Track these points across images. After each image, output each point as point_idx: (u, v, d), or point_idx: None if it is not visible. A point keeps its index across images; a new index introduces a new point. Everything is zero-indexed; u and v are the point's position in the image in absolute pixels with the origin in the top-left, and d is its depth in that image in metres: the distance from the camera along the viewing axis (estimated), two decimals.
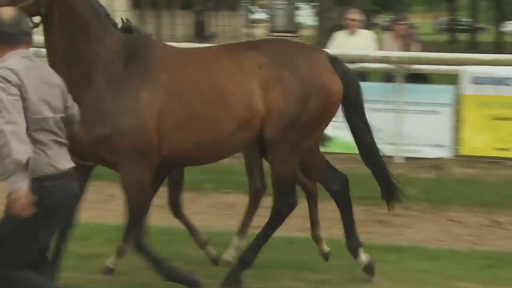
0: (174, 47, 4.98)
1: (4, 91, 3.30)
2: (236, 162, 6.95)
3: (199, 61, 4.64)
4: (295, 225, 5.95)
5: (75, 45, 4.29)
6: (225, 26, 42.37)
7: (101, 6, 4.47)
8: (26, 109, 3.34)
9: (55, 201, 3.45)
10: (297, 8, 46.07)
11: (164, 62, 4.49)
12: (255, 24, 35.98)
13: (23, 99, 3.34)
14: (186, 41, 27.79)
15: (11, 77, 3.33)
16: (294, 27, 42.18)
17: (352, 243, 5.00)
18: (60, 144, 3.54)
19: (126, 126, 4.24)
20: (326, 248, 5.37)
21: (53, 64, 4.07)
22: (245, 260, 4.81)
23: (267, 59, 4.57)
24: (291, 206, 4.79)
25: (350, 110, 4.93)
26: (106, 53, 4.36)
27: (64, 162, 3.54)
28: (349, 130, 5.02)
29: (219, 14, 41.24)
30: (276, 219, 4.81)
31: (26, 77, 3.38)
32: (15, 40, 3.48)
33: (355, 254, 5.00)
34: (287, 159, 4.65)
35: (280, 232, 5.02)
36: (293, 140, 4.60)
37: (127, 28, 4.71)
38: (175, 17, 32.95)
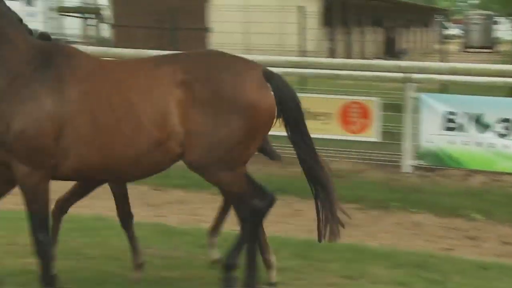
0: (96, 58, 4.89)
1: None
2: (426, 181, 6.75)
3: (117, 74, 4.43)
4: (488, 248, 5.65)
5: None
6: (417, 42, 41.53)
7: (13, 12, 4.49)
8: None
9: None
10: (495, 23, 44.06)
11: (81, 73, 4.36)
12: (449, 40, 34.88)
13: None
14: (376, 58, 27.70)
15: None
16: (491, 42, 40.33)
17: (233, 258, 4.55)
18: None
19: (19, 128, 4.22)
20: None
21: None
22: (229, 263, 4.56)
23: (187, 76, 4.27)
24: (257, 210, 4.47)
25: (288, 126, 4.49)
26: (14, 56, 4.36)
27: None
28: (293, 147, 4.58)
29: (410, 30, 40.54)
30: (245, 227, 4.50)
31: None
32: None
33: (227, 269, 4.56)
34: (225, 178, 4.38)
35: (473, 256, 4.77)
36: (225, 160, 4.29)
37: (45, 36, 4.70)
38: (365, 34, 32.93)
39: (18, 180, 4.39)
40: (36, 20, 29.52)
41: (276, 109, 4.41)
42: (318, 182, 4.53)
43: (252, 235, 4.53)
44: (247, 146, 4.40)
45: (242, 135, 4.31)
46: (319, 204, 4.53)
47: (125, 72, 4.45)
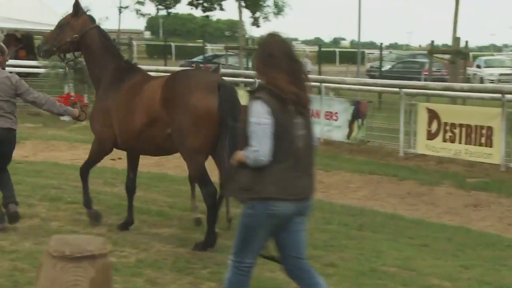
0: (145, 74, 7.13)
1: None
2: None
3: (139, 84, 6.72)
4: None
5: (90, 67, 7.20)
6: None
7: (113, 44, 7.28)
8: None
9: None
10: None
11: (129, 84, 6.76)
12: None
13: None
14: None
15: None
16: None
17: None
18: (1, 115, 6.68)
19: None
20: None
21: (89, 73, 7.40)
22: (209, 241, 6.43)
23: (167, 84, 6.44)
24: (212, 192, 6.39)
25: (222, 122, 6.15)
26: (104, 74, 7.00)
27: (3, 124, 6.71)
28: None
29: None
30: (208, 203, 6.43)
31: None
32: None
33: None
34: (186, 158, 6.55)
35: None
36: (183, 142, 6.34)
37: (127, 60, 7.33)
38: None
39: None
40: None
41: (216, 109, 6.17)
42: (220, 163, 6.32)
43: (215, 213, 6.47)
44: (195, 133, 6.24)
45: (190, 124, 6.21)
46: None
47: (143, 82, 6.74)
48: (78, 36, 6.94)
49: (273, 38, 4.27)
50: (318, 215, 8.21)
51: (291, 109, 4.13)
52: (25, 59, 19.51)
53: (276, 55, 4.17)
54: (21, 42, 21.35)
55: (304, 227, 4.40)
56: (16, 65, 17.80)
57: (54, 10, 20.69)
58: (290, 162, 4.16)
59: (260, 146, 4.05)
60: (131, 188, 7.18)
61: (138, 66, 7.51)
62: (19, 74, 7.48)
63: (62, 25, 7.04)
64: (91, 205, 7.20)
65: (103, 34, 7.08)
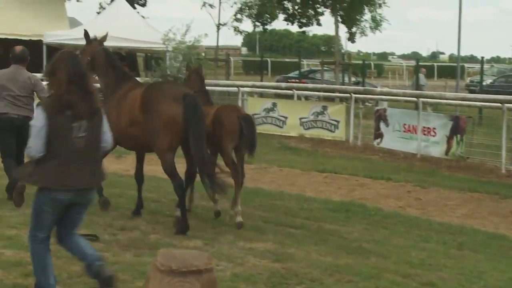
0: (138, 82, 8.56)
1: None
2: None
3: (128, 91, 7.97)
4: None
5: (100, 80, 8.30)
6: None
7: (116, 59, 8.65)
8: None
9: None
10: None
11: (123, 90, 8.02)
12: None
13: None
14: None
15: None
16: None
17: None
18: (17, 105, 8.49)
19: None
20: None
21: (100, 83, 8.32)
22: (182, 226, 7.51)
23: (146, 92, 7.70)
24: (180, 184, 7.61)
25: (188, 129, 7.44)
26: (106, 82, 8.31)
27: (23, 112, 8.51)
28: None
29: None
30: (178, 193, 7.62)
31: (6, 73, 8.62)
32: (14, 61, 8.67)
33: None
34: (159, 155, 7.78)
35: None
36: (155, 142, 7.58)
37: (125, 72, 8.61)
38: None
39: None
40: None
41: (180, 117, 7.41)
42: (196, 165, 7.70)
43: (183, 201, 7.64)
44: (164, 135, 7.47)
45: (158, 128, 7.46)
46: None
47: (130, 90, 7.96)
48: (89, 59, 8.30)
49: (62, 55, 5.17)
50: (415, 232, 8.05)
51: (69, 115, 4.94)
52: None
53: (60, 70, 5.01)
54: (125, 60, 22.16)
55: (84, 213, 5.29)
56: None
57: (156, 29, 21.34)
58: (66, 158, 4.97)
59: (32, 143, 4.92)
60: (139, 177, 8.55)
61: (131, 75, 8.85)
62: None
63: (80, 52, 8.23)
64: (101, 193, 8.33)
65: (106, 52, 8.54)
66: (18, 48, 8.79)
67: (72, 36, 20.23)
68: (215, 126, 8.06)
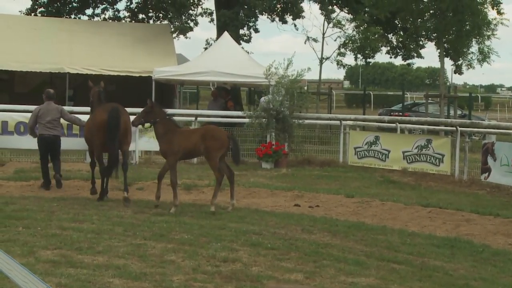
0: (112, 104, 11.68)
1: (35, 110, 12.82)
2: None
3: (103, 109, 11.61)
4: None
5: (92, 106, 12.17)
6: None
7: (103, 96, 12.12)
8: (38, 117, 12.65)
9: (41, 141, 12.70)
10: None
11: (100, 110, 11.59)
12: None
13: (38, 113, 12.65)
14: None
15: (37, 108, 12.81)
16: None
17: None
18: (49, 128, 12.56)
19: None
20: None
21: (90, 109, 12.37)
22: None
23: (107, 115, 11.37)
24: (102, 169, 11.58)
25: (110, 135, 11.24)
26: (95, 109, 11.93)
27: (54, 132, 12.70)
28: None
29: None
30: (102, 175, 11.68)
31: (42, 107, 12.73)
32: (48, 99, 12.79)
33: None
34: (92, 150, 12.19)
35: None
36: (89, 142, 12.00)
37: (105, 100, 12.02)
38: None
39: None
40: None
41: (104, 123, 11.23)
42: (114, 163, 11.50)
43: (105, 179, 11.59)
44: (97, 136, 11.40)
45: (91, 132, 11.63)
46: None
47: (104, 108, 11.54)
48: (91, 99, 12.22)
49: None
50: None
51: None
52: (232, 110, 20.66)
53: None
54: (230, 94, 22.65)
55: None
56: (224, 115, 18.92)
57: (260, 63, 21.73)
58: None
59: None
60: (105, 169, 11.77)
61: (106, 102, 11.89)
62: (226, 123, 11.93)
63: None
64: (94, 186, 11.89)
65: (99, 92, 12.07)
66: (50, 90, 12.82)
67: (179, 72, 20.90)
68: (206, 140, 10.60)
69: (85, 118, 12.73)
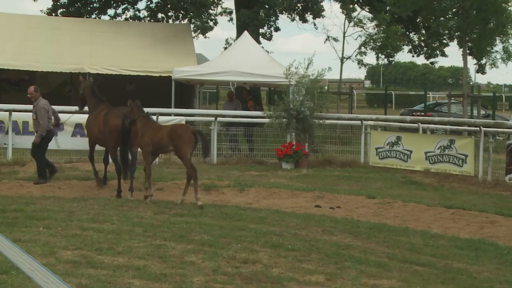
0: (108, 105, 12.86)
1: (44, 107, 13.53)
2: None
3: (100, 111, 12.82)
4: None
5: (88, 103, 13.44)
6: None
7: (98, 94, 13.22)
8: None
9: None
10: None
11: (98, 110, 12.81)
12: None
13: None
14: None
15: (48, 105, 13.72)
16: None
17: None
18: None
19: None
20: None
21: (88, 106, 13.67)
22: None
23: (105, 112, 12.60)
24: (118, 168, 12.31)
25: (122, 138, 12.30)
26: (94, 105, 13.13)
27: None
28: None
29: None
30: (118, 174, 12.32)
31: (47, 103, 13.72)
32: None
33: None
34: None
35: None
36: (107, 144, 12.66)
37: (101, 98, 13.14)
38: None
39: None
40: None
41: (118, 128, 12.17)
42: (125, 164, 12.45)
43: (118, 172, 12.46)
44: (111, 138, 12.29)
45: (108, 133, 12.33)
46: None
47: (100, 111, 12.77)
48: (82, 92, 13.50)
49: None
50: None
51: None
52: (253, 109, 20.59)
53: None
54: (250, 94, 22.59)
55: None
56: (244, 115, 18.85)
57: (280, 63, 21.64)
58: None
59: None
60: (105, 160, 13.07)
61: (104, 100, 13.03)
62: (246, 123, 11.84)
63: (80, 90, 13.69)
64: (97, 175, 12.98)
65: (91, 86, 13.19)
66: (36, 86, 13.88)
67: (198, 72, 20.88)
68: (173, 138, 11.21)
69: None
